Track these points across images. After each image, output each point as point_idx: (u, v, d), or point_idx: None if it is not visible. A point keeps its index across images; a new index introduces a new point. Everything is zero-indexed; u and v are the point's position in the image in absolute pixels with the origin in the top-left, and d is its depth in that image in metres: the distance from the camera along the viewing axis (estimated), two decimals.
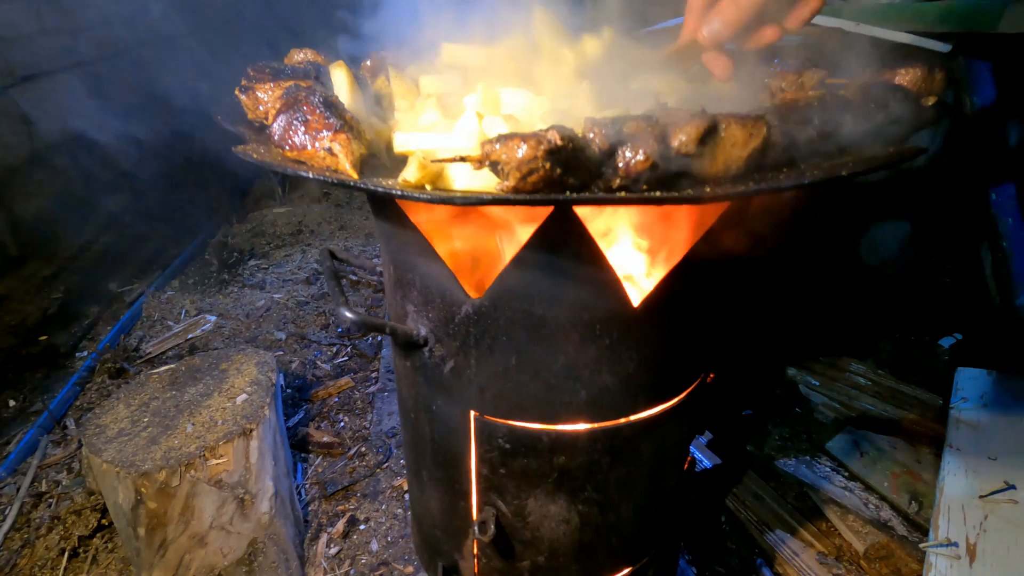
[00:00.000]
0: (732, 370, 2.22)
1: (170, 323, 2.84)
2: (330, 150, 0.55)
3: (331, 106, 0.58)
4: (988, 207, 1.93)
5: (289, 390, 2.38)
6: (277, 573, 1.53)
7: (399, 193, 0.51)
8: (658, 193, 0.51)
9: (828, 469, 1.76)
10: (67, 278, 3.00)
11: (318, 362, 2.56)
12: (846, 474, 1.73)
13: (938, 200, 2.26)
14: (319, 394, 2.33)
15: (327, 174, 0.55)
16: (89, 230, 3.17)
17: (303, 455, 2.04)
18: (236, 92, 0.71)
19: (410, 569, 1.62)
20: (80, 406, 2.31)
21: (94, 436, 1.48)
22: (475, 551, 0.99)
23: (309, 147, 0.56)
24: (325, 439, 2.07)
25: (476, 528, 0.91)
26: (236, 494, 1.46)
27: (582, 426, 0.82)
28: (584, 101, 0.75)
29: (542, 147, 0.48)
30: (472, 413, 0.84)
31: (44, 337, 2.69)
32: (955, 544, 1.37)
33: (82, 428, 1.60)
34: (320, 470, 1.97)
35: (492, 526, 0.91)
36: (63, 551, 1.65)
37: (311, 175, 0.53)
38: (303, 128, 0.56)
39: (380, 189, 0.51)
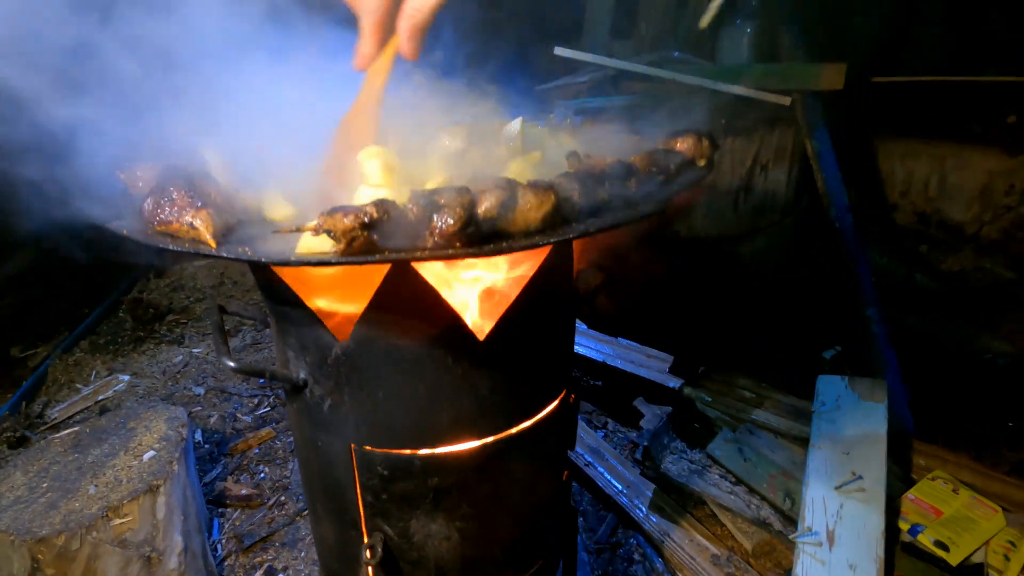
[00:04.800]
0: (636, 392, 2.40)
1: (79, 386, 2.74)
2: (192, 224, 0.66)
3: (194, 186, 0.69)
4: (835, 233, 2.24)
5: (207, 445, 2.34)
6: None
7: (249, 258, 0.62)
8: (451, 251, 0.65)
9: (717, 476, 1.93)
10: None
11: (238, 415, 2.54)
12: (732, 479, 1.91)
13: (803, 229, 2.57)
14: (238, 447, 2.32)
15: (189, 245, 0.65)
16: None
17: (220, 510, 2.02)
18: (117, 173, 0.81)
19: None
20: None
21: None
22: (368, 565, 1.07)
23: (174, 223, 0.67)
24: (243, 492, 2.06)
25: (366, 553, 0.99)
26: (142, 552, 1.46)
27: (449, 448, 0.93)
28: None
29: (361, 219, 0.61)
30: (351, 445, 0.94)
31: None
32: (816, 533, 1.56)
33: None
34: (238, 523, 1.96)
35: (380, 549, 1.00)
36: None
37: (172, 247, 0.64)
38: (168, 207, 0.67)
39: (238, 256, 0.63)
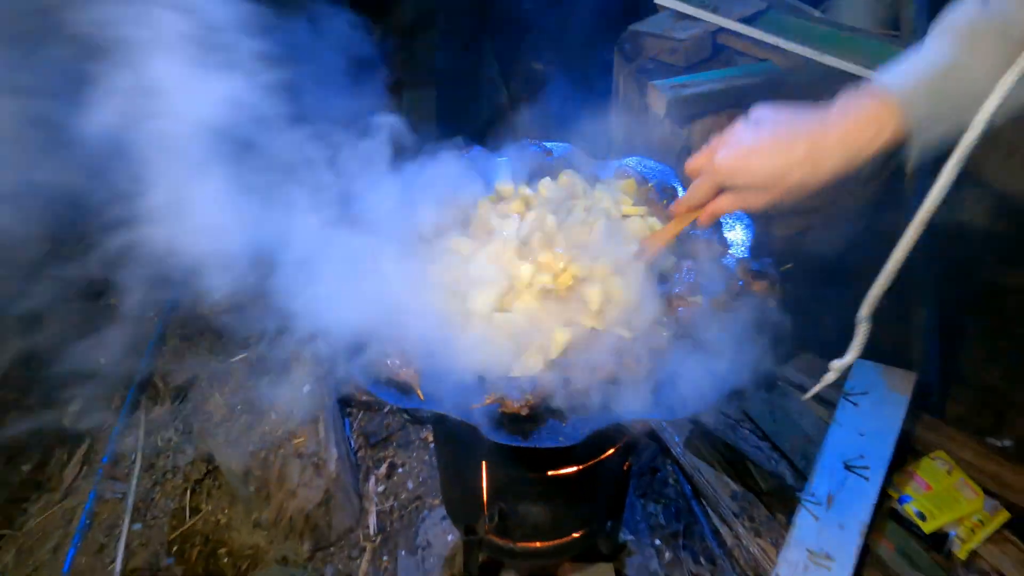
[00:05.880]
0: None
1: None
2: (406, 382, 0.99)
3: (404, 355, 1.00)
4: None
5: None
6: (345, 509, 2.16)
7: (449, 414, 0.96)
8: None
9: (747, 431, 2.33)
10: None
11: None
12: (760, 435, 2.31)
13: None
14: None
15: (406, 398, 0.99)
16: None
17: (348, 410, 2.61)
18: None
19: (437, 502, 2.25)
20: (160, 367, 2.85)
21: (205, 422, 2.02)
22: (486, 523, 1.56)
23: (394, 377, 1.00)
24: (364, 398, 2.63)
25: (486, 517, 1.46)
26: (313, 461, 2.04)
27: (550, 472, 1.33)
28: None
29: (525, 405, 0.92)
30: (483, 462, 1.35)
31: (114, 299, 3.16)
32: (818, 496, 1.97)
33: (195, 416, 2.15)
34: (363, 423, 2.55)
35: (497, 516, 1.47)
36: (185, 489, 2.29)
37: (389, 400, 0.98)
38: (388, 365, 1.00)
39: (444, 412, 0.96)
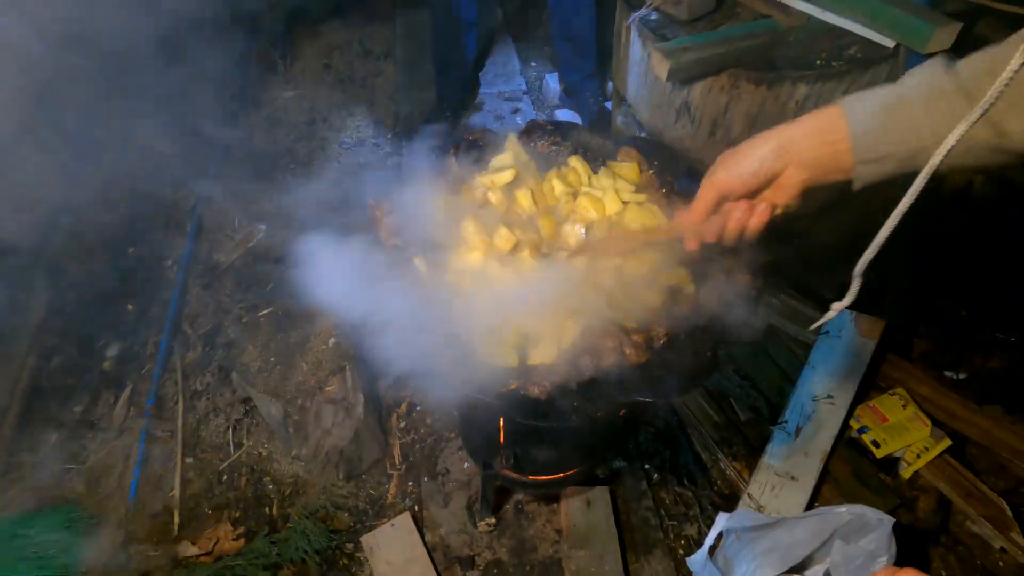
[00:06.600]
0: None
1: (228, 232, 3.40)
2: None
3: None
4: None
5: None
6: (373, 443, 2.44)
7: (488, 401, 1.16)
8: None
9: (731, 371, 2.58)
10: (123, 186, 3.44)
11: None
12: (742, 375, 2.57)
13: None
14: None
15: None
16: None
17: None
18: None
19: (453, 435, 2.53)
20: (187, 314, 3.03)
21: (243, 371, 2.24)
22: (502, 464, 1.83)
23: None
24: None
25: (503, 459, 1.72)
26: (343, 405, 2.28)
27: (556, 423, 1.56)
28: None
29: (544, 390, 1.12)
30: (501, 419, 1.58)
31: (132, 249, 3.29)
32: (789, 425, 2.25)
33: (236, 369, 2.35)
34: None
35: (512, 459, 1.73)
36: (227, 427, 2.55)
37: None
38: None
39: (479, 401, 1.16)
